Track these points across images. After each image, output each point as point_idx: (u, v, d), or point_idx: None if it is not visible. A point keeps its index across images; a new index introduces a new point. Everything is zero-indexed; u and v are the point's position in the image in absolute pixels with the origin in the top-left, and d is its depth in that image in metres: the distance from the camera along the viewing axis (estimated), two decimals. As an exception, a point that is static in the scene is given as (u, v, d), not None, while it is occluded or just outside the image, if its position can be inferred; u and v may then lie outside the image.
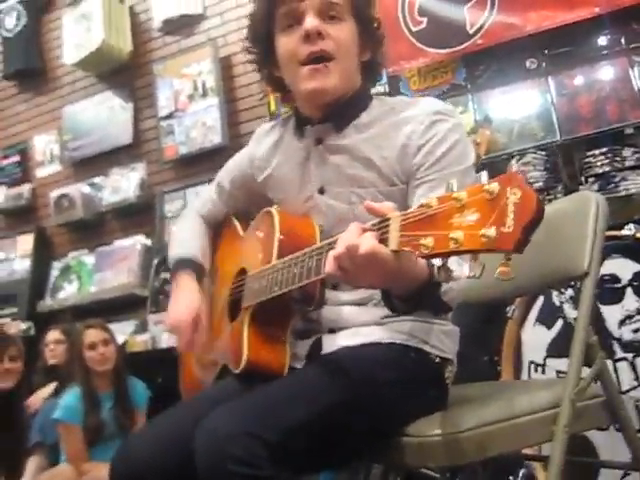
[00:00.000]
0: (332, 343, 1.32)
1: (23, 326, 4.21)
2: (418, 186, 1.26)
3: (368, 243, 0.93)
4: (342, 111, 1.37)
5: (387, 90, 3.67)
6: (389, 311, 1.14)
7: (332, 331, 1.34)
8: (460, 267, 0.89)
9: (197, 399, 1.39)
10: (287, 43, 1.34)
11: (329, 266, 1.00)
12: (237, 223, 1.63)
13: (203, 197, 1.72)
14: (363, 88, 1.43)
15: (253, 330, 1.31)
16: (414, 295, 1.05)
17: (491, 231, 0.77)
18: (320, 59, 1.31)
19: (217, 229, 1.70)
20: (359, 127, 1.36)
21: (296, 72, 1.34)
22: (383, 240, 0.93)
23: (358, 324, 1.32)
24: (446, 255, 0.84)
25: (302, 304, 1.31)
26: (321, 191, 1.38)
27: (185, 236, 1.65)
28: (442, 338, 1.35)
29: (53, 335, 3.66)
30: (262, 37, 1.40)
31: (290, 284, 1.20)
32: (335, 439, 1.13)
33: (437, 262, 0.87)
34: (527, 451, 1.95)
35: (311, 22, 1.29)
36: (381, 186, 1.31)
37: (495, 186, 0.78)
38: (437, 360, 1.33)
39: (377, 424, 1.19)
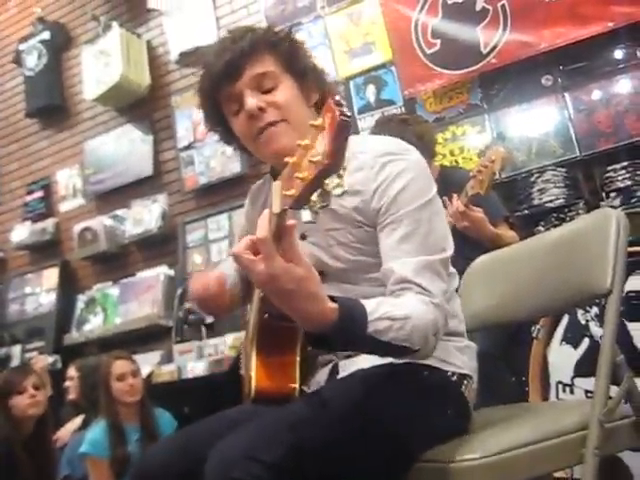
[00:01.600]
0: (347, 367, 1.32)
1: (50, 360, 4.24)
2: (381, 230, 1.29)
3: (240, 244, 1.02)
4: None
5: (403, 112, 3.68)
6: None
7: (349, 357, 1.34)
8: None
9: (217, 417, 1.41)
10: (238, 125, 1.41)
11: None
12: None
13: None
14: None
15: (260, 357, 1.32)
16: (326, 335, 1.05)
17: (317, 157, 0.84)
18: (273, 125, 1.36)
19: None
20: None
21: (254, 145, 1.41)
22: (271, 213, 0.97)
23: None
24: (303, 195, 0.88)
25: (290, 320, 1.32)
26: (302, 237, 1.38)
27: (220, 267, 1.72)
28: (457, 355, 1.34)
29: (70, 371, 3.69)
30: (217, 121, 1.48)
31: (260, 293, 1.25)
32: (341, 462, 1.13)
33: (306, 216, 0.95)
34: (559, 474, 1.91)
35: (250, 102, 1.35)
36: (351, 228, 1.33)
37: (319, 119, 0.85)
38: (454, 378, 1.32)
39: (392, 446, 1.18)
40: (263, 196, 1.59)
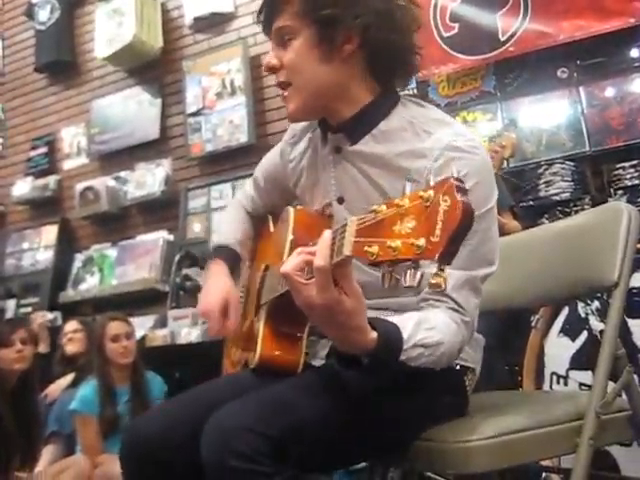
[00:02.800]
0: None
1: (50, 316, 4.24)
2: None
3: (320, 257, 0.91)
4: (354, 122, 1.30)
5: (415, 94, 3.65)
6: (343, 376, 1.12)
7: None
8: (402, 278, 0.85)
9: (213, 384, 1.40)
10: None
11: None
12: (270, 220, 1.65)
13: (244, 191, 1.72)
14: (384, 92, 1.32)
15: (269, 327, 1.32)
16: (364, 357, 1.02)
17: (421, 241, 0.76)
18: (282, 87, 1.31)
19: (257, 225, 1.70)
20: (376, 136, 1.29)
21: None
22: (339, 247, 0.90)
23: None
24: (387, 263, 0.81)
25: None
26: (340, 200, 1.35)
27: (225, 225, 1.67)
28: (464, 347, 1.33)
29: (71, 325, 3.70)
30: None
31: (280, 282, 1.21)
32: (342, 440, 1.13)
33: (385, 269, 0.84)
34: (545, 463, 1.92)
35: (267, 58, 1.30)
36: None
37: (430, 193, 0.77)
38: (457, 368, 1.31)
39: (389, 427, 1.18)
40: (304, 139, 1.48)
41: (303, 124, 1.49)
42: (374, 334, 1.00)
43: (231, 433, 1.02)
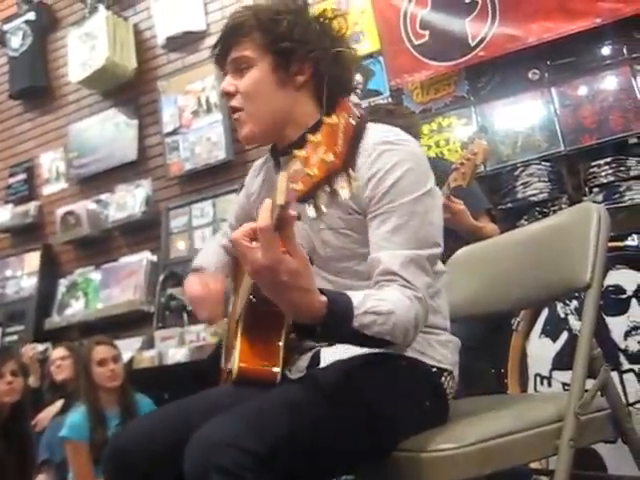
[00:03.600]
0: (329, 356, 1.33)
1: (40, 348, 4.17)
2: (372, 219, 1.28)
3: (239, 230, 1.01)
4: (299, 142, 1.35)
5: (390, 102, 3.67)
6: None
7: (331, 345, 1.35)
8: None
9: (194, 398, 1.41)
10: None
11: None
12: None
13: (221, 232, 1.81)
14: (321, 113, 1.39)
15: (245, 339, 1.34)
16: (316, 326, 1.06)
17: (330, 156, 0.85)
18: (234, 111, 1.41)
19: (235, 261, 1.73)
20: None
21: None
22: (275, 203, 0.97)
23: None
24: (311, 191, 0.89)
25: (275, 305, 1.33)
26: (298, 217, 1.38)
27: (201, 257, 1.73)
28: (438, 348, 1.35)
29: (58, 352, 3.68)
30: None
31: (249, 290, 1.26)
32: (323, 452, 1.13)
33: (311, 212, 0.93)
34: (534, 465, 1.93)
35: (223, 84, 1.41)
36: (342, 214, 1.32)
37: (333, 117, 0.87)
38: (433, 370, 1.32)
39: (370, 436, 1.19)
40: (262, 172, 1.59)
41: (262, 159, 1.60)
42: (323, 298, 1.05)
43: (214, 448, 1.03)
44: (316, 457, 1.13)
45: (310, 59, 1.35)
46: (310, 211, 0.94)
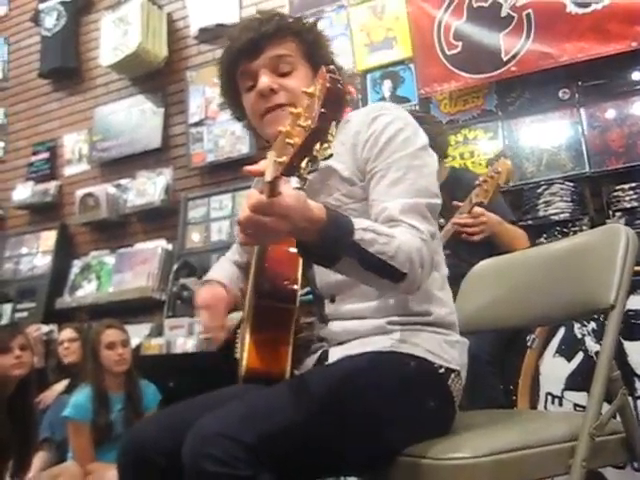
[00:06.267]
0: (336, 354, 1.33)
1: (45, 329, 4.20)
2: (371, 178, 1.33)
3: (248, 200, 0.99)
4: None
5: (418, 110, 3.67)
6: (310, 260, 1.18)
7: (340, 344, 1.35)
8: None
9: (209, 394, 1.42)
10: (249, 102, 1.46)
11: (239, 237, 1.07)
12: None
13: (232, 248, 1.82)
14: None
15: (253, 339, 1.34)
16: (318, 239, 1.08)
17: (307, 121, 0.87)
18: (282, 107, 1.41)
19: (246, 272, 1.75)
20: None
21: (260, 123, 1.46)
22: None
23: (362, 335, 1.33)
24: (293, 161, 0.91)
25: (282, 302, 1.34)
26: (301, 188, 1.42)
27: (212, 272, 1.74)
28: (447, 348, 1.34)
29: (66, 333, 3.69)
30: (231, 96, 1.53)
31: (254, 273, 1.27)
32: (320, 448, 1.13)
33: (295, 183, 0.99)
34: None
35: (262, 81, 1.41)
36: (344, 189, 1.36)
37: (312, 87, 0.89)
38: (441, 370, 1.32)
39: (370, 434, 1.18)
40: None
41: None
42: (322, 210, 1.08)
43: (207, 439, 1.05)
44: (312, 453, 1.12)
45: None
46: (295, 182, 0.97)
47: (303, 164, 0.93)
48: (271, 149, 0.97)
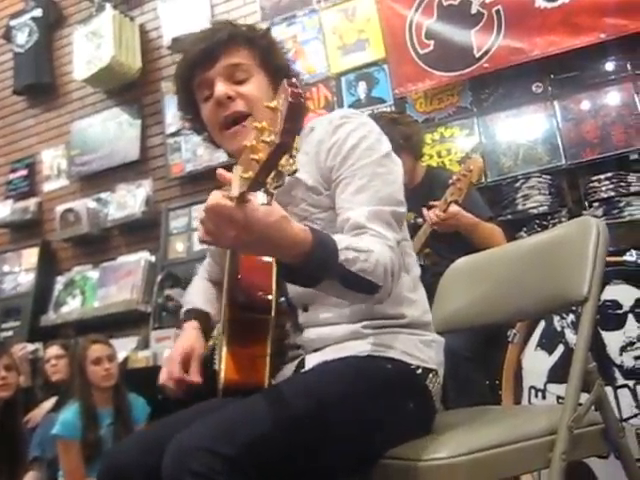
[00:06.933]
0: (313, 361, 1.33)
1: (30, 347, 4.15)
2: (336, 186, 1.34)
3: (211, 198, 0.99)
4: None
5: (393, 111, 3.68)
6: (292, 284, 1.18)
7: (316, 350, 1.35)
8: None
9: (191, 409, 1.41)
10: (207, 112, 1.45)
11: (198, 232, 1.06)
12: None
13: (204, 264, 1.81)
14: None
15: (230, 351, 1.33)
16: (303, 262, 1.07)
17: (271, 136, 0.87)
18: (236, 120, 1.41)
19: (220, 287, 1.74)
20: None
21: (220, 137, 1.45)
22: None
23: (338, 340, 1.33)
24: (259, 176, 0.91)
25: (258, 312, 1.33)
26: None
27: (189, 296, 1.73)
28: (423, 348, 1.35)
29: (53, 350, 3.66)
30: (189, 107, 1.52)
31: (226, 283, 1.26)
32: (300, 455, 1.12)
33: (262, 198, 0.98)
34: (525, 477, 1.93)
35: (219, 89, 1.40)
36: (309, 199, 1.37)
37: (274, 102, 0.88)
38: (418, 371, 1.32)
39: (351, 439, 1.18)
40: None
41: None
42: (307, 230, 1.08)
43: (187, 453, 1.04)
44: (292, 460, 1.12)
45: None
46: (261, 197, 0.97)
47: (269, 179, 0.93)
48: (237, 164, 0.97)
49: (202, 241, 1.06)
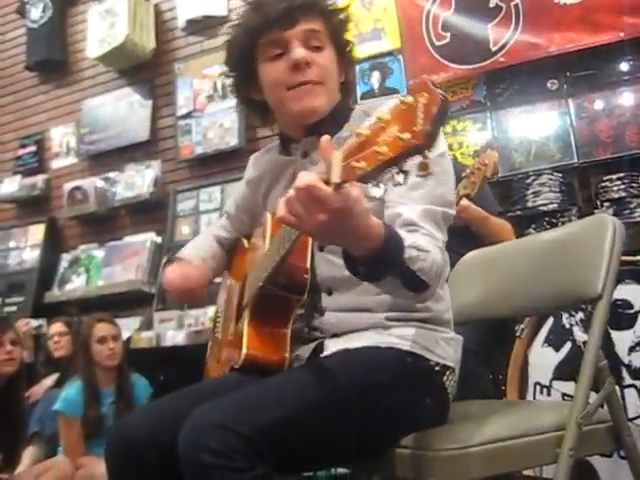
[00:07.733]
0: (332, 347, 1.33)
1: (34, 323, 4.15)
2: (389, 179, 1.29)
3: (305, 178, 0.94)
4: (324, 126, 1.37)
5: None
6: (354, 276, 1.11)
7: (335, 336, 1.35)
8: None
9: (200, 385, 1.43)
10: (274, 71, 1.41)
11: (280, 211, 0.99)
12: (245, 240, 1.71)
13: (217, 223, 1.82)
14: (342, 104, 1.49)
15: (253, 326, 1.34)
16: (373, 256, 1.04)
17: (406, 134, 0.82)
18: (312, 84, 1.39)
19: (229, 247, 1.76)
20: (341, 140, 1.35)
21: (283, 96, 1.41)
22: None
23: (359, 328, 1.33)
24: (377, 170, 0.86)
25: (293, 292, 1.33)
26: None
27: (187, 249, 1.72)
28: (443, 345, 1.35)
29: (56, 327, 3.67)
30: (244, 63, 1.47)
31: (272, 262, 1.23)
32: (314, 440, 1.13)
33: (376, 192, 0.92)
34: (527, 472, 1.93)
35: (299, 52, 1.37)
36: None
37: (409, 97, 0.83)
38: (437, 368, 1.32)
39: (366, 429, 1.19)
40: (264, 161, 1.62)
41: (261, 151, 1.67)
42: (381, 223, 1.04)
43: (204, 430, 1.04)
44: (308, 445, 1.12)
45: (350, 61, 1.52)
46: (374, 191, 0.93)
47: (387, 174, 0.88)
48: (336, 147, 0.92)
49: (281, 220, 1.00)
